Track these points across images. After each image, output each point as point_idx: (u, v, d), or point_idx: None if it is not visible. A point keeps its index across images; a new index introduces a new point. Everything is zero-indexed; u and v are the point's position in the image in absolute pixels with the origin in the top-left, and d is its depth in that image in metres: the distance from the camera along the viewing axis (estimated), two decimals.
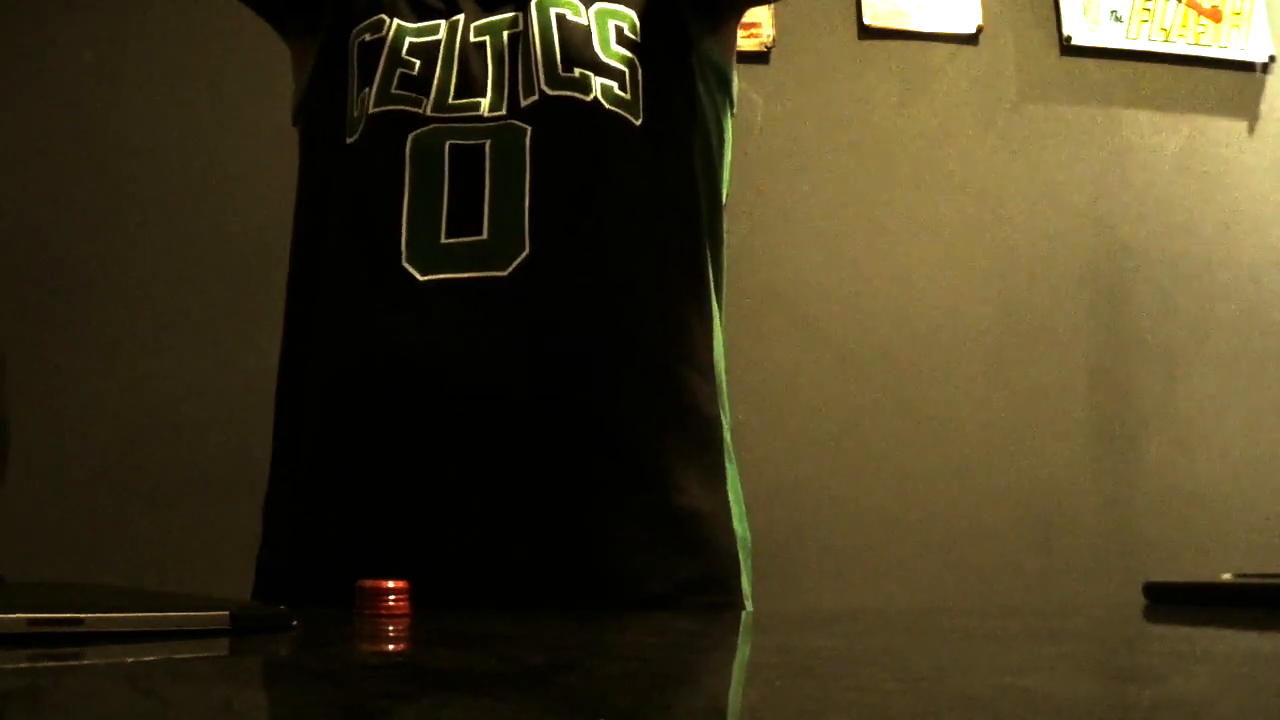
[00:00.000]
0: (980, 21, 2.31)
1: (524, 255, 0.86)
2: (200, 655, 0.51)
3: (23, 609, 0.52)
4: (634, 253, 0.92)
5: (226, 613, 0.57)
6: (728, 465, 0.97)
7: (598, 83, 0.91)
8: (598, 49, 0.93)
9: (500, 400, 0.86)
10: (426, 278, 0.87)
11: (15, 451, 1.04)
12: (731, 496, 0.96)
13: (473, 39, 0.94)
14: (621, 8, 0.96)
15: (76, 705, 0.38)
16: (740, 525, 0.96)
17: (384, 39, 0.95)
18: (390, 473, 0.88)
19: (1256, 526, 2.25)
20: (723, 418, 0.97)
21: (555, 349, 0.87)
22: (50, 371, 1.85)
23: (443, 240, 0.87)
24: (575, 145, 0.90)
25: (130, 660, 0.48)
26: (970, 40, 2.31)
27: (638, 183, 0.92)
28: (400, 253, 0.88)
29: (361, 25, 0.97)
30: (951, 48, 2.30)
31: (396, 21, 0.96)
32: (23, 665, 0.46)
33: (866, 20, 2.27)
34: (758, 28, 2.21)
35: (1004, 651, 0.55)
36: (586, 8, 0.95)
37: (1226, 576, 0.83)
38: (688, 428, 0.94)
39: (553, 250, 0.87)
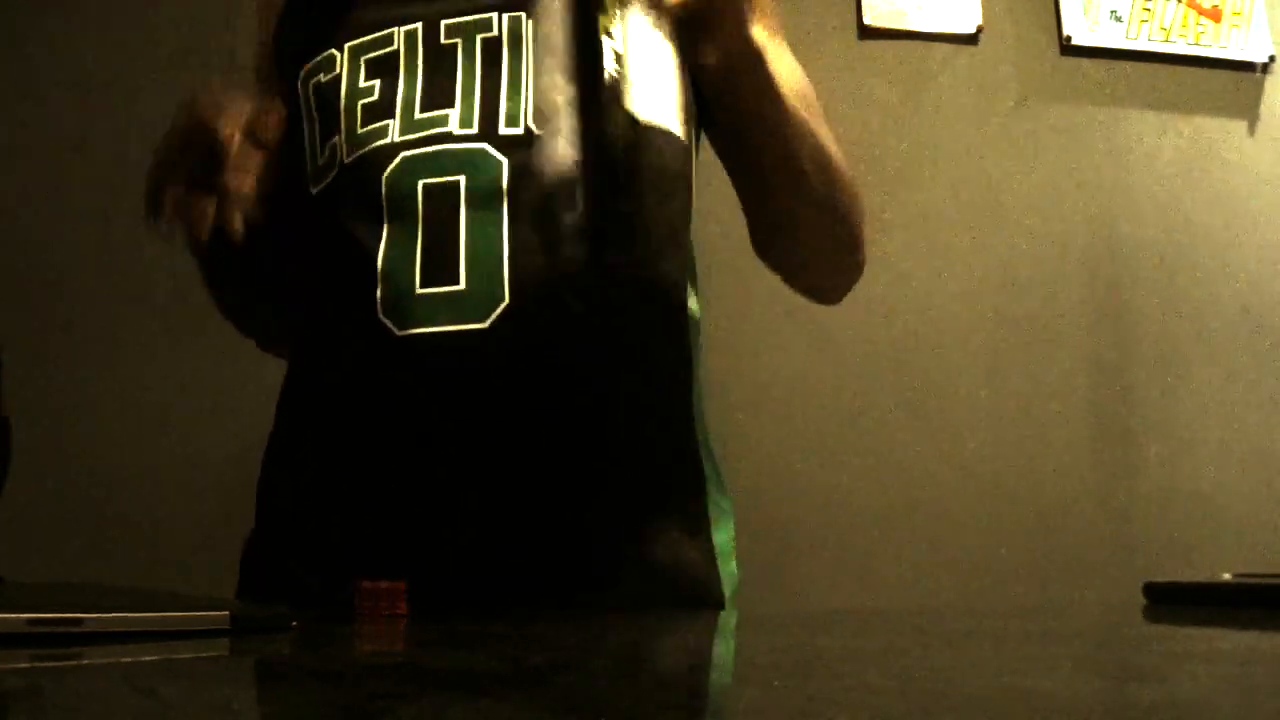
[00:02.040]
0: (980, 21, 2.31)
1: (503, 305, 0.83)
2: (200, 655, 0.51)
3: (23, 609, 0.52)
4: (618, 300, 0.88)
5: (226, 613, 0.57)
6: (711, 509, 0.93)
7: None
8: None
9: (478, 451, 0.84)
10: (404, 333, 0.83)
11: (15, 452, 1.04)
12: (718, 539, 0.92)
13: (443, 39, 0.89)
14: None
15: (76, 705, 0.38)
16: (729, 565, 0.93)
17: (339, 78, 0.91)
18: (388, 481, 0.87)
19: (1256, 526, 2.26)
20: (705, 453, 0.95)
21: (537, 401, 0.84)
22: (50, 371, 1.85)
23: (418, 291, 0.83)
24: (554, 188, 0.85)
25: (130, 660, 0.48)
26: (970, 40, 2.31)
27: (620, 223, 0.87)
28: (376, 305, 0.84)
29: (312, 64, 0.93)
30: (951, 48, 2.30)
31: (347, 48, 0.91)
32: (23, 665, 0.46)
33: (866, 20, 2.27)
34: None
35: (1004, 651, 0.55)
36: None
37: (1226, 576, 0.83)
38: (673, 475, 0.92)
39: (533, 300, 0.83)
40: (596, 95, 0.84)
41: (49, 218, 1.92)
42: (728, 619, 0.83)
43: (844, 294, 1.03)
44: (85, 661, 0.48)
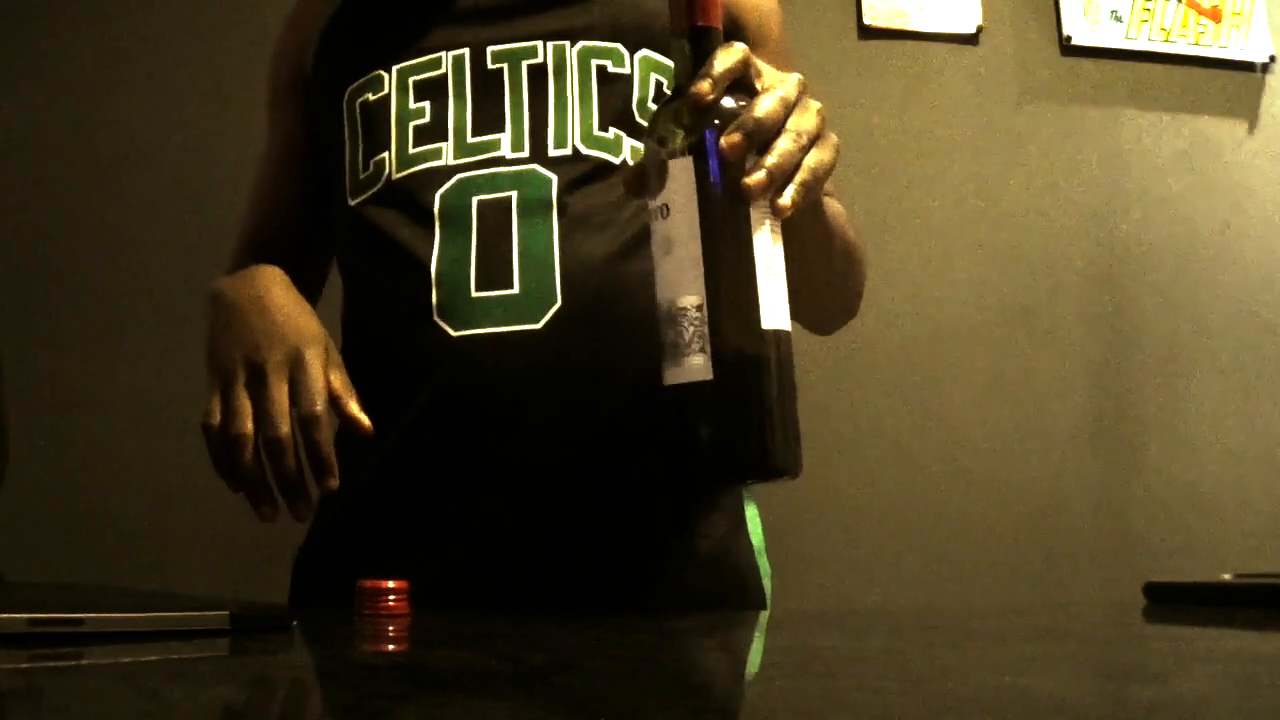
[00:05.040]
0: (980, 21, 2.31)
1: (556, 307, 0.86)
2: (200, 655, 0.51)
3: (23, 609, 0.52)
4: None
5: (226, 613, 0.57)
6: (747, 508, 0.98)
7: (628, 144, 0.91)
8: (635, 109, 0.92)
9: (535, 449, 0.87)
10: (460, 333, 0.87)
11: (15, 451, 1.04)
12: (754, 538, 0.97)
13: (490, 65, 0.92)
14: (668, 61, 0.93)
15: (76, 705, 0.38)
16: (763, 561, 0.98)
17: (387, 98, 0.94)
18: (446, 478, 0.88)
19: (1256, 526, 2.25)
20: None
21: (590, 399, 0.87)
22: (50, 371, 1.85)
23: (474, 294, 0.87)
24: (602, 202, 0.89)
25: (130, 660, 0.48)
26: (970, 40, 2.31)
27: None
28: (431, 308, 0.87)
29: (358, 83, 0.96)
30: (951, 48, 2.30)
31: (395, 70, 0.94)
32: (23, 665, 0.46)
33: (866, 20, 2.27)
34: None
35: (1004, 651, 0.55)
36: (631, 54, 0.92)
37: (1226, 576, 0.83)
38: None
39: (585, 301, 0.87)
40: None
41: (49, 218, 1.92)
42: (728, 619, 0.83)
43: (838, 329, 1.07)
44: (85, 661, 0.48)
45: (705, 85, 0.69)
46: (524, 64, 0.92)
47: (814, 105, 0.73)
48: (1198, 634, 0.63)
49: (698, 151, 0.69)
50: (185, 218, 1.93)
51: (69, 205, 1.93)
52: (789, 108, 0.71)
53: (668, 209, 0.69)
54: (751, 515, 0.98)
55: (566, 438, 0.87)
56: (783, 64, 1.02)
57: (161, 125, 1.96)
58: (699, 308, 0.68)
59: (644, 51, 0.93)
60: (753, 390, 0.70)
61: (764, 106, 0.69)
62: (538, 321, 0.86)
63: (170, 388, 1.88)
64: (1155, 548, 2.20)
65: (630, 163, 0.90)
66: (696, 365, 0.68)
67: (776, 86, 0.71)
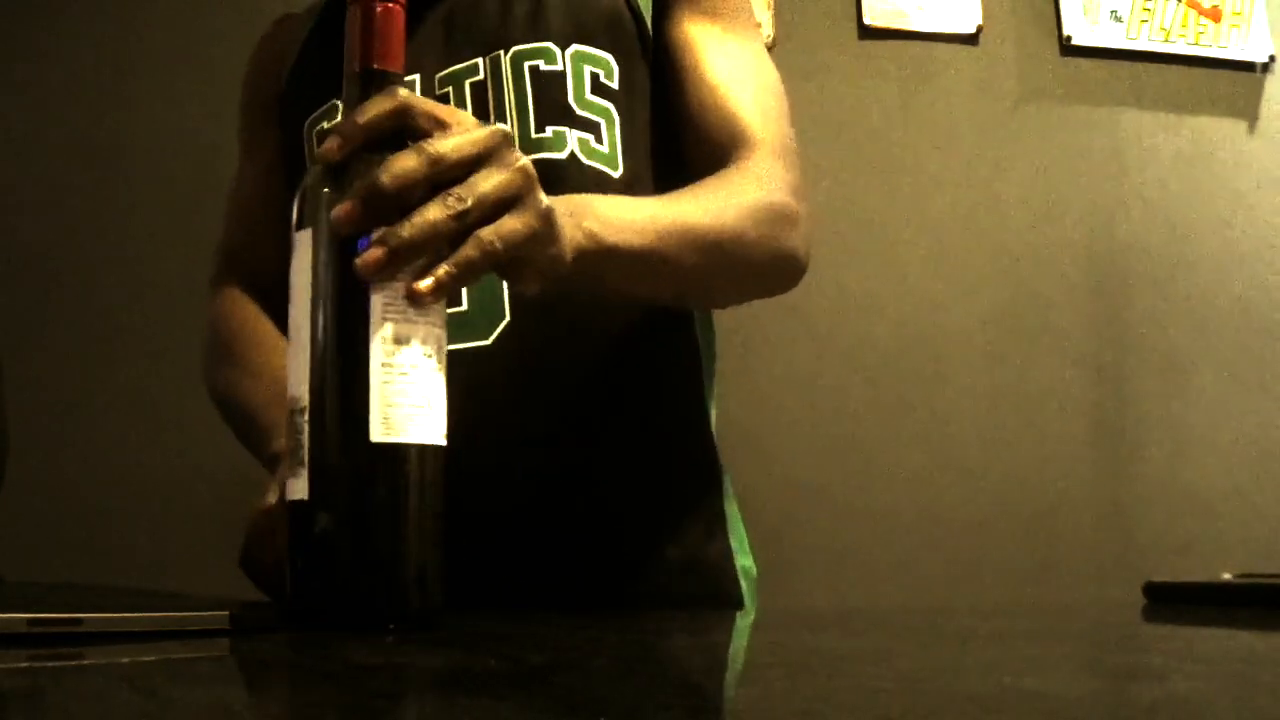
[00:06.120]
0: (980, 21, 2.31)
1: (505, 323, 0.87)
2: (200, 655, 0.51)
3: (23, 609, 0.52)
4: (617, 308, 0.91)
5: (226, 613, 0.57)
6: (727, 506, 0.97)
7: (573, 137, 0.90)
8: (572, 101, 0.91)
9: (492, 470, 0.86)
10: None
11: (15, 451, 1.04)
12: (733, 539, 0.96)
13: (438, 90, 0.93)
14: (600, 53, 0.93)
15: (76, 705, 0.38)
16: (745, 560, 0.97)
17: None
18: None
19: (1256, 526, 2.25)
20: (717, 455, 0.98)
21: (543, 415, 0.88)
22: (50, 371, 1.85)
23: None
24: None
25: (130, 660, 0.48)
26: (970, 40, 2.31)
27: None
28: None
29: (316, 114, 0.98)
30: (951, 48, 2.30)
31: None
32: (23, 665, 0.46)
33: (866, 20, 2.27)
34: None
35: (1004, 651, 0.55)
36: (562, 50, 0.92)
37: (1226, 576, 0.83)
38: (684, 477, 0.95)
39: (533, 316, 0.87)
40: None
41: (49, 218, 1.92)
42: (728, 619, 0.83)
43: (792, 286, 0.97)
44: (85, 661, 0.48)
45: (330, 143, 0.58)
46: (467, 83, 0.93)
47: (514, 162, 0.61)
48: (1198, 634, 0.63)
49: (315, 224, 0.58)
50: (185, 218, 1.93)
51: (69, 205, 1.92)
52: (443, 165, 0.58)
53: (291, 292, 0.59)
54: (733, 513, 0.97)
55: (523, 446, 0.87)
56: (734, 28, 0.99)
57: (161, 125, 1.96)
58: (303, 413, 0.57)
59: (575, 46, 0.92)
60: (351, 519, 0.57)
61: (395, 166, 0.57)
62: (487, 338, 0.87)
63: (170, 388, 1.88)
64: (1155, 548, 2.20)
65: (578, 154, 0.90)
66: (297, 482, 0.57)
67: (435, 143, 0.58)
